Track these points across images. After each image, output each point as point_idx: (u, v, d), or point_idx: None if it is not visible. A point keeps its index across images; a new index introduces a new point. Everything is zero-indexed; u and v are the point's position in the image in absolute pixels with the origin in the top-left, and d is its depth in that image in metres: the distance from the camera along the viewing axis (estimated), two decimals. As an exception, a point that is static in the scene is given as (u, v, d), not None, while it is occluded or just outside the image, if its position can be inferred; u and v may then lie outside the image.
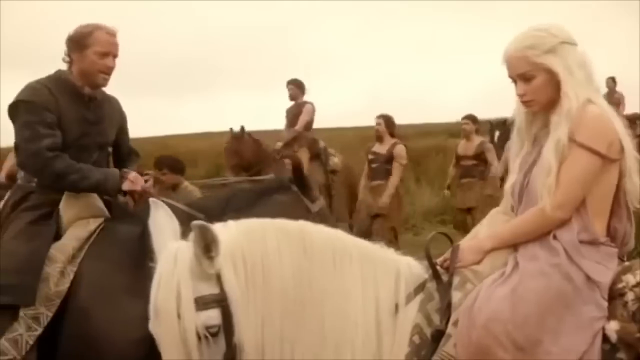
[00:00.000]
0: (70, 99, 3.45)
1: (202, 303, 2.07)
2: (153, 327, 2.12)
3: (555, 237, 2.21)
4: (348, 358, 2.18)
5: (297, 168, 3.80)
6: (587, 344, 2.12)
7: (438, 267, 2.31)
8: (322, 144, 9.08)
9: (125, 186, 3.48)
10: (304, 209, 3.57)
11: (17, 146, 3.43)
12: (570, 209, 2.22)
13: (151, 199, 2.51)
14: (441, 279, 2.28)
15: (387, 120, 8.44)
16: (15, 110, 3.37)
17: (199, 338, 2.06)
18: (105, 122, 3.60)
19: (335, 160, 9.12)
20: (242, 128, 9.08)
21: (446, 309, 2.22)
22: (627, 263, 2.29)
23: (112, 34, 3.51)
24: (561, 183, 2.21)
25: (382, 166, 8.10)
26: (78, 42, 3.45)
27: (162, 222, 2.27)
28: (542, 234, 2.23)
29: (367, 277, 2.27)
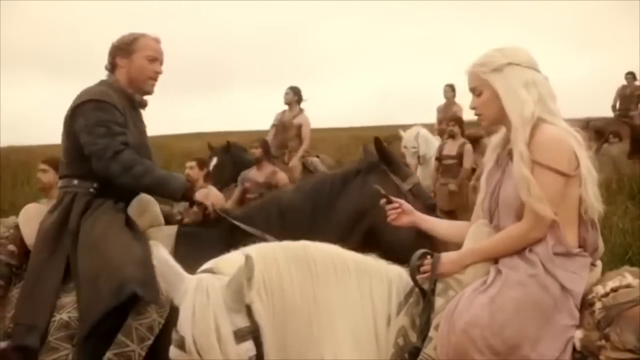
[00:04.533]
0: (126, 105, 3.38)
1: (240, 336, 2.08)
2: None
3: (531, 251, 2.32)
4: None
5: (380, 147, 3.59)
6: (560, 351, 2.24)
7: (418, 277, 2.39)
8: None
9: (199, 195, 3.32)
10: (394, 188, 3.45)
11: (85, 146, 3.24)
12: (545, 228, 2.32)
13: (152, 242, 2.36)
14: (428, 297, 2.36)
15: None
16: (84, 108, 3.25)
17: None
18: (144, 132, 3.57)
19: None
20: None
21: (425, 324, 2.32)
22: (596, 269, 2.40)
23: (157, 40, 3.51)
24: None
25: None
26: (125, 48, 3.42)
27: (168, 258, 2.20)
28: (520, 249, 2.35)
29: (363, 290, 2.35)
